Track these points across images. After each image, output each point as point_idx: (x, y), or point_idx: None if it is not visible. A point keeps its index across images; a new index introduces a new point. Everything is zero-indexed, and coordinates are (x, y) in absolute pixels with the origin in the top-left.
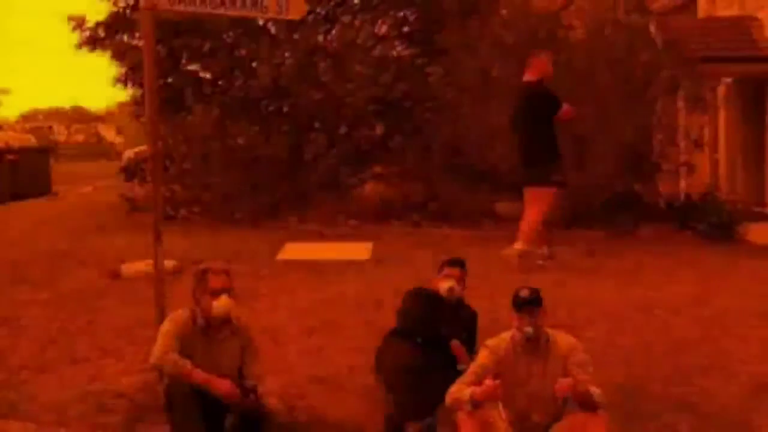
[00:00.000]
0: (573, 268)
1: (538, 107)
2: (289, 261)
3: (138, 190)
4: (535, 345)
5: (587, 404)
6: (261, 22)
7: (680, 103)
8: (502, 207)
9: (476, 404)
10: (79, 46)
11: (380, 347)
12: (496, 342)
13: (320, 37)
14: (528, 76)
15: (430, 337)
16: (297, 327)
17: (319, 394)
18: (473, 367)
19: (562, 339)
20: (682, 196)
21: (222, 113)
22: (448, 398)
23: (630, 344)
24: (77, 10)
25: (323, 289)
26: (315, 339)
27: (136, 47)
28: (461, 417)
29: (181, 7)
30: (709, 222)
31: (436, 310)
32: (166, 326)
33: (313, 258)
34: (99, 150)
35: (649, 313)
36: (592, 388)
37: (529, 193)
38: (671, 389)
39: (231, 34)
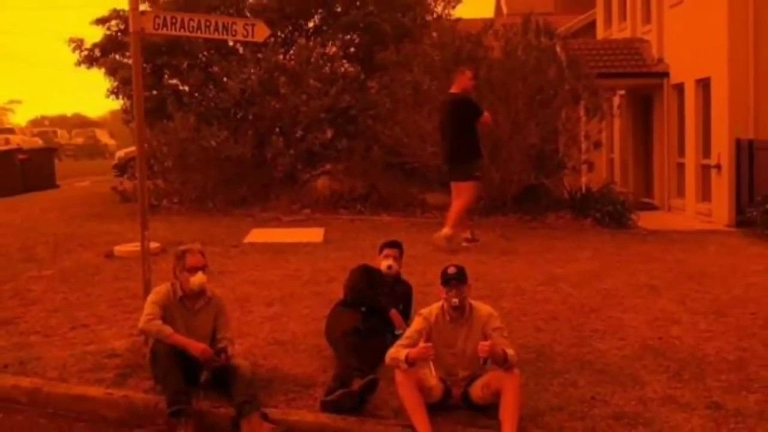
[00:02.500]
0: (491, 250)
1: (462, 115)
2: (254, 243)
3: (127, 184)
4: (460, 313)
5: (503, 363)
6: (231, 44)
7: (581, 112)
8: (432, 198)
9: (411, 363)
10: (78, 63)
11: (330, 315)
12: (428, 311)
13: (280, 56)
14: (453, 89)
15: (371, 307)
16: (260, 298)
17: (278, 354)
18: (409, 332)
19: (482, 308)
20: (583, 189)
21: (197, 120)
22: (388, 358)
23: (538, 313)
24: (75, 31)
25: (283, 266)
26: (275, 308)
27: (126, 65)
28: (398, 374)
29: (164, 31)
30: (605, 211)
31: (377, 283)
32: (151, 298)
33: (275, 241)
34: (95, 150)
35: (554, 286)
36: (507, 350)
37: (455, 186)
38: (573, 350)
39: (205, 53)
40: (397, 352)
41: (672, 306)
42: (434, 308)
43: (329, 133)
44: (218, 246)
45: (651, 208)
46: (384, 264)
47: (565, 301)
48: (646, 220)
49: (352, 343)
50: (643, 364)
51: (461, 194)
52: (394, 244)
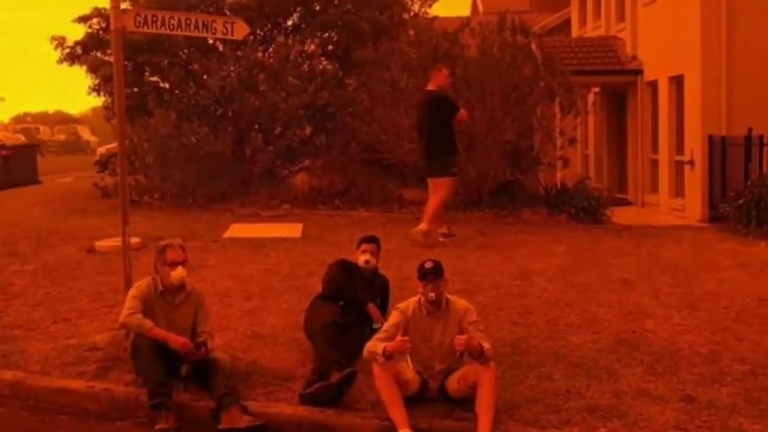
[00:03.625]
0: (467, 245)
1: (438, 112)
2: (233, 238)
3: (109, 179)
4: (437, 307)
5: (479, 356)
6: (211, 42)
7: (556, 109)
8: (409, 194)
9: (389, 356)
10: (60, 61)
11: (308, 309)
12: (405, 305)
13: (259, 54)
14: (430, 86)
15: (349, 300)
16: (240, 292)
17: (258, 348)
18: (386, 326)
19: (459, 302)
20: (558, 185)
21: (178, 116)
22: (365, 351)
23: (514, 307)
24: (57, 29)
25: (262, 261)
26: (254, 302)
27: (107, 62)
28: (376, 367)
29: (144, 29)
30: (580, 206)
31: (354, 277)
32: (132, 292)
33: (254, 236)
34: (77, 147)
35: (529, 281)
36: (484, 343)
37: (432, 182)
38: (548, 344)
39: (186, 51)
40: (374, 345)
41: (645, 300)
42: (411, 302)
43: (308, 130)
44: (198, 241)
45: (625, 203)
46: (361, 259)
47: (540, 296)
48: (620, 215)
49: (331, 337)
50: (617, 357)
51: (438, 190)
52: (372, 239)
